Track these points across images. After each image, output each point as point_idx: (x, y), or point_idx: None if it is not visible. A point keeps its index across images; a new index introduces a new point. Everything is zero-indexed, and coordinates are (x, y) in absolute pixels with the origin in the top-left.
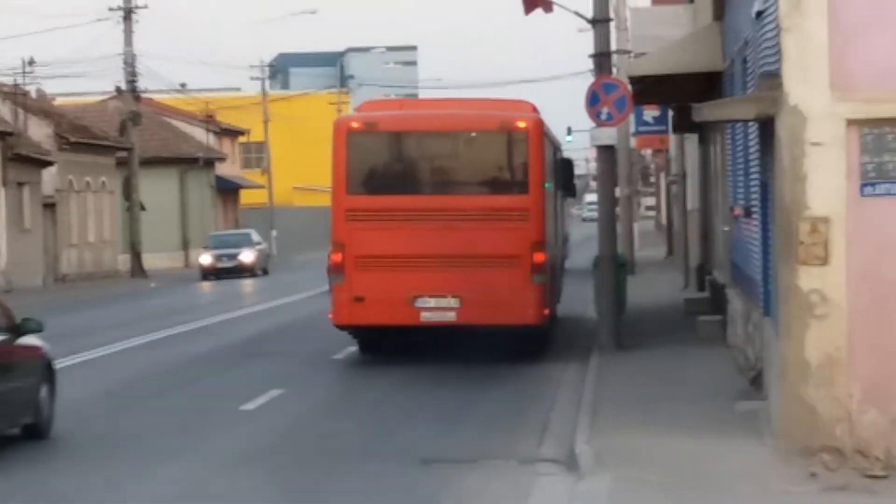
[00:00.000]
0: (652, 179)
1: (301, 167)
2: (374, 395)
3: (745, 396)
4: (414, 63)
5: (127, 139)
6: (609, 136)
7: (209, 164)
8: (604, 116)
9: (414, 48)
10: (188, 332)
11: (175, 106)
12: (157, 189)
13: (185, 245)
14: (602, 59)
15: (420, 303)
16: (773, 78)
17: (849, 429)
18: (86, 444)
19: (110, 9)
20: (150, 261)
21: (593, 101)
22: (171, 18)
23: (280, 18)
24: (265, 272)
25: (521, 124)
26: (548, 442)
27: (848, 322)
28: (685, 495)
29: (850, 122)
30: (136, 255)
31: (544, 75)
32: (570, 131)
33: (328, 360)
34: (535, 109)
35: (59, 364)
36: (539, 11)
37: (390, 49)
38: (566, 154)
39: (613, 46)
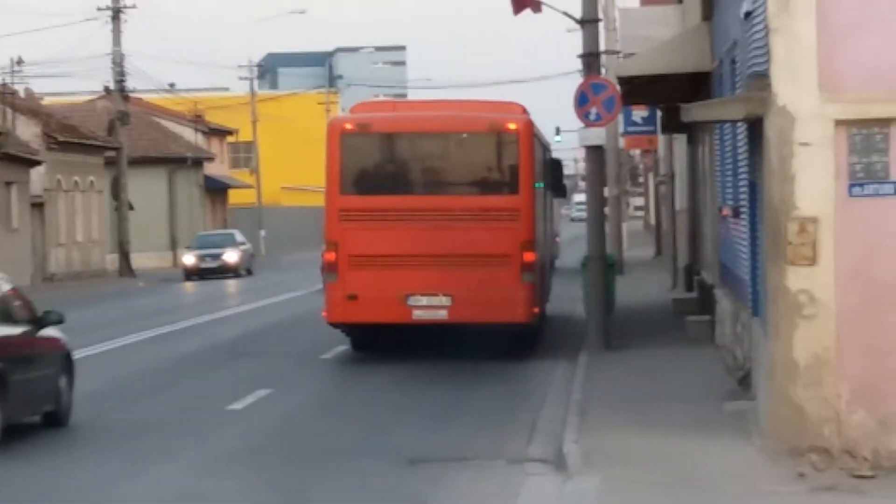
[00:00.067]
0: (640, 180)
1: (290, 167)
2: (363, 395)
3: (733, 396)
4: (403, 63)
5: (115, 139)
6: (598, 136)
7: (198, 163)
8: (592, 117)
9: (403, 48)
10: (175, 332)
11: (163, 106)
12: (145, 189)
13: (174, 245)
14: (591, 59)
15: (412, 301)
16: (761, 78)
17: (837, 429)
18: (70, 445)
19: (99, 8)
20: (138, 260)
21: (582, 101)
22: (159, 18)
23: (269, 18)
24: (249, 272)
25: (512, 126)
26: (537, 441)
27: (836, 322)
28: (673, 495)
29: (839, 123)
30: (125, 255)
31: (533, 75)
32: (558, 131)
33: (316, 360)
34: (524, 111)
35: None
36: (528, 12)
37: (379, 49)
38: (555, 154)
39: (602, 47)
